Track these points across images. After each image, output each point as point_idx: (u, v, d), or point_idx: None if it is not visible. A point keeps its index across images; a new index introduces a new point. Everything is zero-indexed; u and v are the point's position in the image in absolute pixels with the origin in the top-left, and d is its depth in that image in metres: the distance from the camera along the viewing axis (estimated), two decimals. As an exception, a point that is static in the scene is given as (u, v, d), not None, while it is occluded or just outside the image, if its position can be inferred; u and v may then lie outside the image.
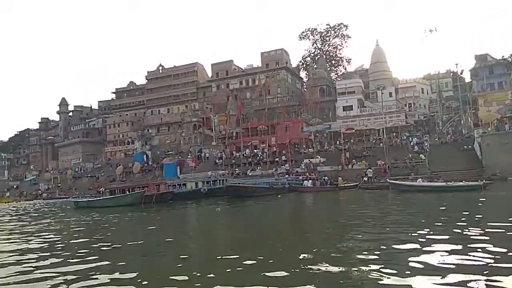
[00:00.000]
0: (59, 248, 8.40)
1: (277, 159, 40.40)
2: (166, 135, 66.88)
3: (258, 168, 37.60)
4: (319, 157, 36.68)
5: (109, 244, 8.47)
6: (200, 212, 18.02)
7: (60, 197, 53.74)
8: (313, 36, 67.61)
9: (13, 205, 42.89)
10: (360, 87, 51.47)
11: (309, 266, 4.94)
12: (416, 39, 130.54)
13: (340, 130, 44.37)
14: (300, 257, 5.50)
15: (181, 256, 6.42)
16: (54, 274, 5.44)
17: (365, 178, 25.05)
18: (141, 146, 65.11)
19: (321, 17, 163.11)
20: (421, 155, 31.40)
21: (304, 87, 66.32)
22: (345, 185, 25.27)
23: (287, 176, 29.33)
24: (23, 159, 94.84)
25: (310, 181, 24.74)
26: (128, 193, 22.43)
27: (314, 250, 6.17)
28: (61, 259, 6.73)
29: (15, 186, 72.49)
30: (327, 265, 4.90)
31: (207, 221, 13.35)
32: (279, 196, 22.00)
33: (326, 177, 26.04)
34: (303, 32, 67.86)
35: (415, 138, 36.41)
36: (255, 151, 44.69)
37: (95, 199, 24.22)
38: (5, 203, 49.20)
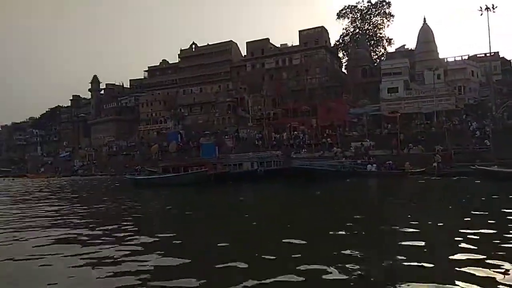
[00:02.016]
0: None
1: (319, 142, 38.77)
2: (199, 115, 65.93)
3: (303, 150, 36.13)
4: (368, 140, 34.84)
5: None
6: (293, 193, 16.27)
7: (97, 174, 53.98)
8: (353, 14, 64.41)
9: (53, 180, 43.03)
10: (407, 67, 48.73)
11: None
12: (465, 17, 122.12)
13: (383, 113, 42.36)
14: None
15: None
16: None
17: (435, 164, 23.27)
18: (174, 125, 64.53)
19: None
20: (485, 140, 29.17)
21: (343, 67, 63.79)
22: (412, 170, 23.53)
23: (344, 159, 27.71)
24: (54, 135, 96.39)
25: (374, 165, 23.17)
26: (190, 171, 21.49)
27: None
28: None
29: (49, 162, 73.72)
30: None
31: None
32: (348, 180, 20.51)
33: (390, 162, 24.38)
34: (342, 10, 64.74)
35: (475, 123, 33.99)
36: (296, 132, 43.13)
37: (155, 176, 23.40)
38: (45, 178, 49.69)
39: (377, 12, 63.48)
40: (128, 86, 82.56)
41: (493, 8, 40.92)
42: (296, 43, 61.62)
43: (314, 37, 57.24)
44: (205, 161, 24.28)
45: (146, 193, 19.23)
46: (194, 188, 18.09)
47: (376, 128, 41.76)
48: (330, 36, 62.27)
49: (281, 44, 65.29)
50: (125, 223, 8.82)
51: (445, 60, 52.15)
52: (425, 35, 52.61)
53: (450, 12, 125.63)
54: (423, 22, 53.42)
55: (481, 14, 41.43)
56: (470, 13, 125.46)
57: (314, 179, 19.57)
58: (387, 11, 62.86)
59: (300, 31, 58.46)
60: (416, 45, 53.64)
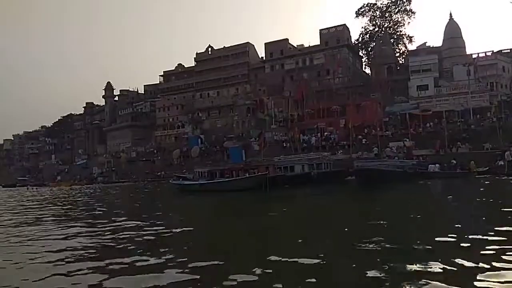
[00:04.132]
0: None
1: (353, 142, 37.25)
2: (217, 119, 64.79)
3: (339, 152, 34.67)
4: (407, 139, 33.35)
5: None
6: (377, 198, 14.76)
7: (118, 181, 52.86)
8: (372, 12, 63.10)
9: (75, 188, 41.88)
10: (436, 64, 47.26)
11: None
12: (494, 11, 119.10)
13: (412, 111, 40.85)
14: None
15: None
16: None
17: (501, 162, 21.77)
18: (192, 130, 63.44)
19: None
20: (540, 138, 27.58)
21: (364, 66, 62.46)
22: (478, 170, 22.00)
23: (396, 158, 26.13)
24: (68, 143, 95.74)
25: (437, 165, 21.71)
26: (247, 175, 20.11)
27: None
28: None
29: (65, 170, 72.84)
30: None
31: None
32: (421, 182, 19.00)
33: (454, 161, 22.88)
34: (360, 8, 63.43)
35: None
36: (326, 133, 41.72)
37: (208, 181, 22.03)
38: (67, 186, 48.63)
39: (397, 10, 62.11)
40: (143, 92, 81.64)
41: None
42: (314, 43, 60.60)
43: (335, 35, 55.97)
44: (257, 164, 22.92)
45: (208, 199, 18.03)
46: (251, 193, 16.90)
47: (406, 127, 40.31)
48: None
49: (297, 45, 64.23)
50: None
51: (474, 56, 50.59)
52: (452, 30, 51.18)
53: (475, 6, 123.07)
54: (449, 17, 52.02)
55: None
56: (496, 6, 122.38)
57: (383, 181, 18.12)
58: (407, 8, 61.52)
59: (320, 30, 57.23)
60: (443, 41, 52.14)
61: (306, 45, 63.68)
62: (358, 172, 19.63)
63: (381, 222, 8.30)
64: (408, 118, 34.64)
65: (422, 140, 33.78)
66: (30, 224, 11.24)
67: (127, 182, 50.06)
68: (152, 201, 19.74)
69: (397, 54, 61.20)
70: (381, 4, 62.36)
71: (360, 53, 64.62)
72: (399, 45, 63.80)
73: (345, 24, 56.72)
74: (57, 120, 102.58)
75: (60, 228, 9.87)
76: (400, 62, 58.68)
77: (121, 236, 8.21)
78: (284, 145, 43.15)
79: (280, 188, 19.19)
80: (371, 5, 62.93)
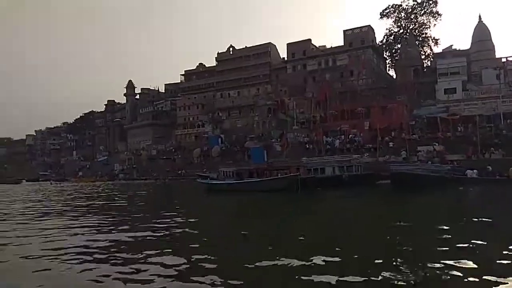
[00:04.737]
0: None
1: (380, 145, 36.58)
2: (237, 119, 64.74)
3: (366, 155, 34.06)
4: (436, 143, 32.55)
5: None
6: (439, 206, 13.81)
7: (138, 178, 53.28)
8: (397, 14, 62.04)
9: (99, 185, 42.37)
10: (465, 67, 46.09)
11: None
12: None
13: (440, 115, 39.89)
14: None
15: None
16: None
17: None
18: (212, 129, 63.58)
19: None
20: None
21: (388, 68, 61.45)
22: (519, 176, 21.16)
23: (430, 163, 25.42)
24: (89, 140, 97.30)
25: (475, 171, 21.01)
26: (279, 176, 19.85)
27: None
28: None
29: (87, 166, 73.94)
30: None
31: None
32: (460, 188, 18.38)
33: (489, 167, 22.17)
34: (385, 9, 62.45)
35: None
36: (351, 136, 41.14)
37: (237, 181, 21.88)
38: (91, 182, 49.31)
39: (423, 11, 60.94)
40: (163, 91, 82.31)
41: None
42: (336, 44, 59.94)
43: (360, 36, 55.24)
44: (287, 164, 22.65)
45: (240, 199, 17.89)
46: (281, 195, 16.63)
47: (432, 131, 39.42)
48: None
49: (319, 46, 63.69)
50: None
51: (504, 59, 49.18)
52: (481, 33, 49.83)
53: (505, 8, 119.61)
54: (478, 20, 50.69)
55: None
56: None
57: (420, 186, 17.56)
58: (434, 9, 60.28)
59: (344, 31, 56.55)
60: (471, 44, 50.86)
61: (328, 46, 63.12)
62: (395, 176, 19.10)
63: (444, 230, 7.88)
64: (439, 122, 33.70)
65: (451, 145, 32.95)
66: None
67: (148, 179, 50.38)
68: (187, 199, 19.70)
69: (423, 57, 60.07)
70: (406, 5, 61.33)
71: (384, 55, 63.69)
72: (424, 48, 62.61)
73: (370, 25, 55.94)
74: (78, 117, 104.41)
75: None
76: (426, 64, 57.63)
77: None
78: (307, 146, 42.72)
79: (311, 190, 18.82)
80: (396, 6, 61.89)
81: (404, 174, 18.78)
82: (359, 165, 23.71)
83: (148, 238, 7.90)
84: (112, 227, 9.45)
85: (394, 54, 61.32)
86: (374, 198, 17.00)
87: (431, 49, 61.79)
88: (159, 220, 10.27)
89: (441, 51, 59.47)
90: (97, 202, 18.23)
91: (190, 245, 7.03)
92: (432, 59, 57.54)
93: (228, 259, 6.10)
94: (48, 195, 24.96)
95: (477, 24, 50.70)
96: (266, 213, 13.04)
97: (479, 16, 50.83)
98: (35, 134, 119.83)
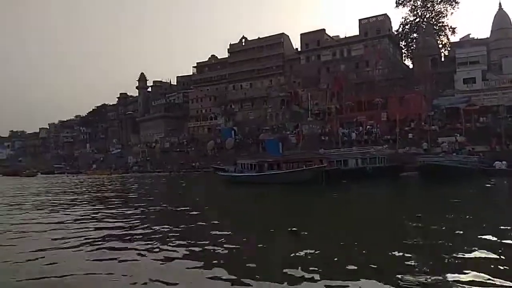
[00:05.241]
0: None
1: (398, 137, 35.89)
2: (250, 111, 64.35)
3: (385, 146, 33.43)
4: (458, 134, 31.80)
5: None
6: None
7: (152, 170, 53.38)
8: (413, 2, 60.62)
9: (114, 178, 42.53)
10: (485, 56, 44.91)
11: None
12: None
13: (460, 106, 39.00)
14: None
15: None
16: None
17: None
18: (224, 121, 63.34)
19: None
20: None
21: (404, 58, 60.25)
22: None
23: (454, 154, 24.81)
24: (102, 133, 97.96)
25: (504, 162, 20.38)
26: (305, 167, 19.47)
27: None
28: None
29: (101, 159, 74.41)
30: None
31: None
32: (492, 181, 17.78)
33: (516, 158, 21.53)
34: (401, -3, 61.00)
35: None
36: (368, 127, 40.49)
37: (260, 173, 21.58)
38: (106, 175, 49.56)
39: (440, -1, 59.40)
40: (175, 83, 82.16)
41: None
42: (350, 34, 58.93)
43: (375, 26, 54.16)
44: (311, 156, 22.25)
45: (269, 191, 17.50)
46: (307, 187, 16.19)
47: (451, 121, 38.57)
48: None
49: (333, 36, 62.66)
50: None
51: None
52: (501, 21, 48.34)
53: None
54: (498, 7, 49.23)
55: None
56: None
57: (449, 178, 17.03)
58: (451, -3, 58.66)
59: (360, 20, 55.46)
60: (491, 33, 49.45)
61: (341, 36, 62.09)
62: (423, 168, 18.58)
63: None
64: (462, 112, 32.89)
65: (472, 136, 32.15)
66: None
67: (162, 172, 50.43)
68: (218, 194, 19.33)
69: (439, 46, 58.73)
70: (423, -7, 59.84)
71: (400, 44, 62.45)
72: (441, 37, 61.20)
73: (386, 14, 54.73)
74: (91, 110, 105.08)
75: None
76: (443, 54, 56.37)
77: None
78: (322, 138, 42.20)
79: (335, 183, 18.38)
80: (413, -6, 60.46)
81: (433, 166, 18.28)
82: (383, 157, 23.20)
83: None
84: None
85: (410, 44, 60.13)
86: (406, 192, 16.47)
87: (447, 38, 60.45)
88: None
89: (458, 40, 58.11)
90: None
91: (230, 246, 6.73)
92: (449, 49, 56.25)
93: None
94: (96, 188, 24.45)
95: (497, 12, 49.24)
96: (300, 208, 12.61)
97: (499, 4, 49.35)
98: (48, 127, 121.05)
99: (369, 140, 37.33)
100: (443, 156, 22.20)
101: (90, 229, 8.53)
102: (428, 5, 60.12)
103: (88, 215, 10.75)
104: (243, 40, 67.98)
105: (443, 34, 61.04)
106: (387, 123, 41.04)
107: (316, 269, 4.88)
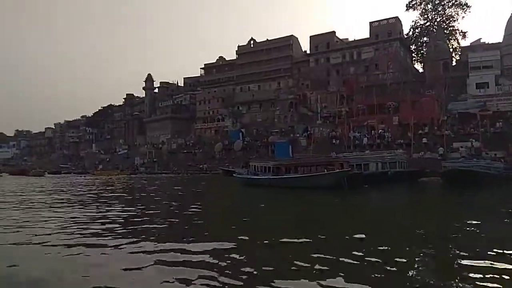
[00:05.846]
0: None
1: (413, 141, 35.40)
2: (257, 113, 64.00)
3: (399, 151, 32.95)
4: (473, 140, 31.31)
5: None
6: None
7: (160, 172, 53.06)
8: (424, 6, 60.19)
9: (123, 178, 42.13)
10: (498, 61, 44.41)
11: None
12: None
13: (476, 111, 38.45)
14: None
15: None
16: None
17: None
18: (232, 123, 63.02)
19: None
20: None
21: (414, 61, 59.76)
22: None
23: (475, 159, 24.28)
24: (107, 133, 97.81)
25: (528, 168, 19.97)
26: (326, 172, 18.96)
27: None
28: None
29: (107, 159, 74.23)
30: None
31: None
32: None
33: (542, 165, 21.06)
34: (411, 1, 60.59)
35: None
36: (380, 131, 40.04)
37: (279, 176, 21.06)
38: (113, 175, 49.26)
39: (451, 3, 58.95)
40: (182, 85, 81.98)
41: None
42: (359, 37, 58.55)
43: (386, 29, 53.73)
44: (331, 160, 21.76)
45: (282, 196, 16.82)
46: (329, 193, 15.47)
47: (464, 126, 38.06)
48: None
49: (342, 39, 62.30)
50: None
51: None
52: (514, 25, 47.88)
53: None
54: (511, 13, 48.71)
55: None
56: None
57: (475, 184, 16.56)
58: (462, 1, 58.22)
59: (371, 23, 55.07)
60: (504, 37, 48.94)
61: (350, 39, 61.72)
62: (448, 173, 18.10)
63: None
64: (479, 117, 32.39)
65: (487, 141, 31.65)
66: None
67: (169, 173, 50.10)
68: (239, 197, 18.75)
69: (450, 50, 58.24)
70: (433, -3, 59.38)
71: (410, 48, 62.03)
72: (451, 41, 60.70)
73: (397, 17, 54.29)
74: (97, 110, 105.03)
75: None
76: (454, 58, 55.87)
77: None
78: (333, 141, 41.77)
79: (357, 188, 17.82)
80: (423, -3, 60.02)
81: (458, 171, 17.82)
82: (404, 161, 22.70)
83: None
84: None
85: (420, 48, 59.69)
86: (443, 197, 15.67)
87: (458, 43, 59.93)
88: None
89: (469, 44, 57.64)
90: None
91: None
92: (460, 53, 55.78)
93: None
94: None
95: (510, 17, 48.71)
96: (336, 216, 11.81)
97: (513, 8, 48.85)
98: (54, 127, 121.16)
99: (381, 145, 36.90)
100: (462, 161, 21.71)
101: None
102: (439, 9, 59.63)
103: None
104: (252, 42, 67.73)
105: (454, 38, 60.56)
106: (398, 127, 40.59)
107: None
